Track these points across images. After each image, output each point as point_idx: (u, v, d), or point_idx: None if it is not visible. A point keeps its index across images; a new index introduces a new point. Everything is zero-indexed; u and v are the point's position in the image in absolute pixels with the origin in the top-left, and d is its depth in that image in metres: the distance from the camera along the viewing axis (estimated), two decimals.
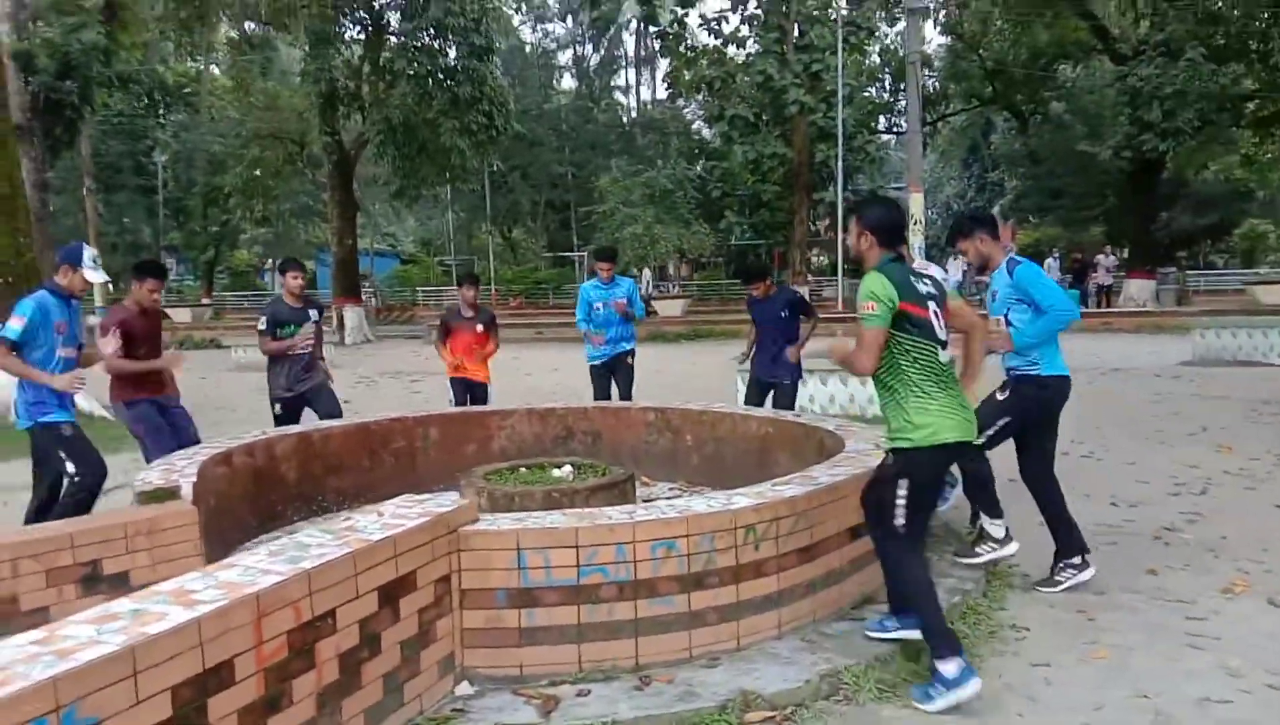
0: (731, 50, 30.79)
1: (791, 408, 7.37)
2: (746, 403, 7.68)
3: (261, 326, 6.90)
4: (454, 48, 21.83)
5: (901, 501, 3.59)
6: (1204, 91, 25.31)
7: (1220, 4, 27.49)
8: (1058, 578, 4.75)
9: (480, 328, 7.96)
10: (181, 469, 4.96)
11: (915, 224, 21.88)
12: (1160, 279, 28.81)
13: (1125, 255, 29.19)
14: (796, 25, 28.24)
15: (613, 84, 49.61)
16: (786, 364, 7.36)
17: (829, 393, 10.50)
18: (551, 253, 41.66)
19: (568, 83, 51.34)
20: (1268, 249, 40.93)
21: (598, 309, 7.95)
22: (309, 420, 6.91)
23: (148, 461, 5.73)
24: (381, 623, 3.14)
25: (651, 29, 32.35)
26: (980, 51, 36.82)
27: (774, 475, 6.11)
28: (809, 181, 29.49)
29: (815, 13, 28.97)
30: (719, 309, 28.12)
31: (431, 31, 22.14)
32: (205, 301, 38.64)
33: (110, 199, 39.10)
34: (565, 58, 51.87)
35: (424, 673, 3.35)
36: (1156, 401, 11.10)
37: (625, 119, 47.85)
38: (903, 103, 40.49)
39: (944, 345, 3.63)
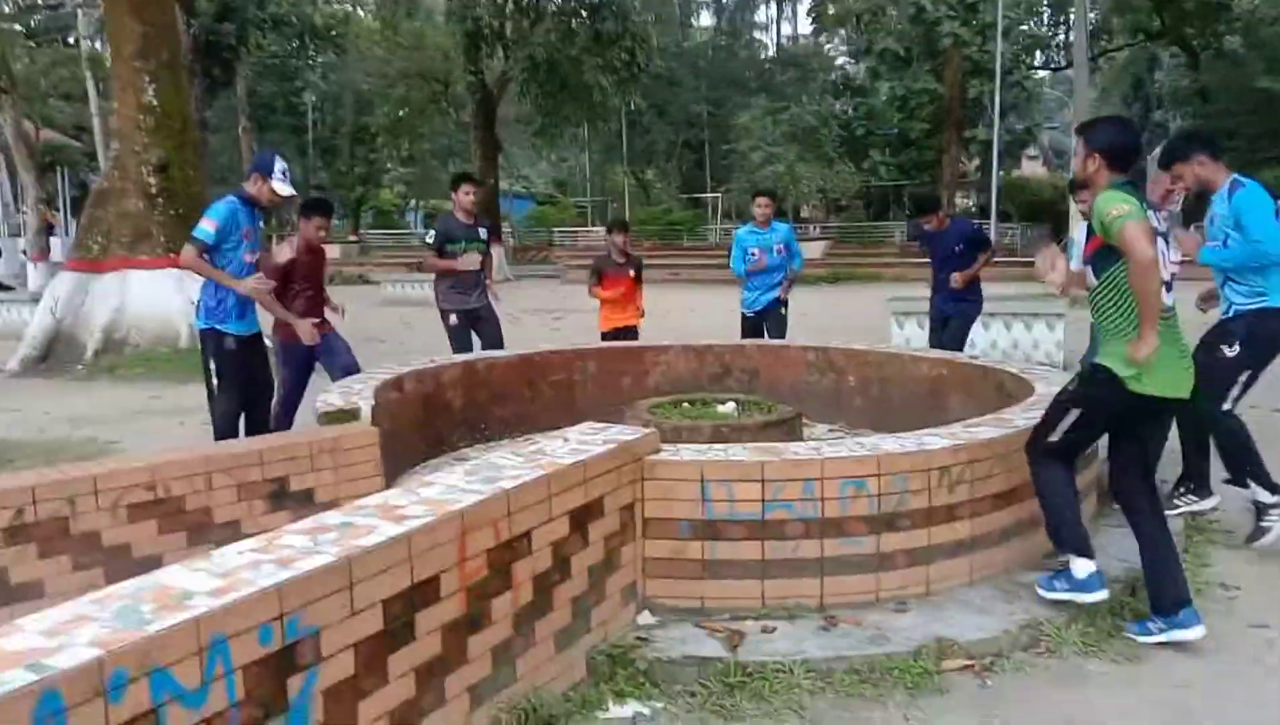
0: None
1: (963, 339, 7.05)
2: (931, 342, 7.35)
3: (429, 239, 6.99)
4: None
5: (1065, 425, 3.44)
6: None
7: None
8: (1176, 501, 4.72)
9: (631, 273, 7.84)
10: (359, 392, 5.06)
11: None
12: None
13: None
14: None
15: (752, 20, 48.46)
16: (965, 295, 7.02)
17: (1012, 337, 10.05)
18: (686, 194, 41.31)
19: (705, 20, 50.55)
20: None
21: (753, 255, 7.64)
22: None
23: (281, 397, 5.82)
24: (572, 547, 3.11)
25: None
26: None
27: (947, 420, 5.85)
28: (959, 119, 28.27)
29: None
30: (859, 252, 27.35)
31: None
32: (352, 239, 39.95)
33: (264, 138, 40.66)
34: None
35: (609, 599, 3.31)
36: None
37: (764, 56, 46.79)
38: (1061, 37, 38.40)
39: (1168, 287, 3.34)
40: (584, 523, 3.17)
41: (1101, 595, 3.42)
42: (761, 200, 7.68)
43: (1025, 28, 33.26)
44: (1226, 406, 4.36)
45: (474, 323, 7.14)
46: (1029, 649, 3.34)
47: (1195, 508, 4.69)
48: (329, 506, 4.27)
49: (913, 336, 10.36)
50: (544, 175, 57.43)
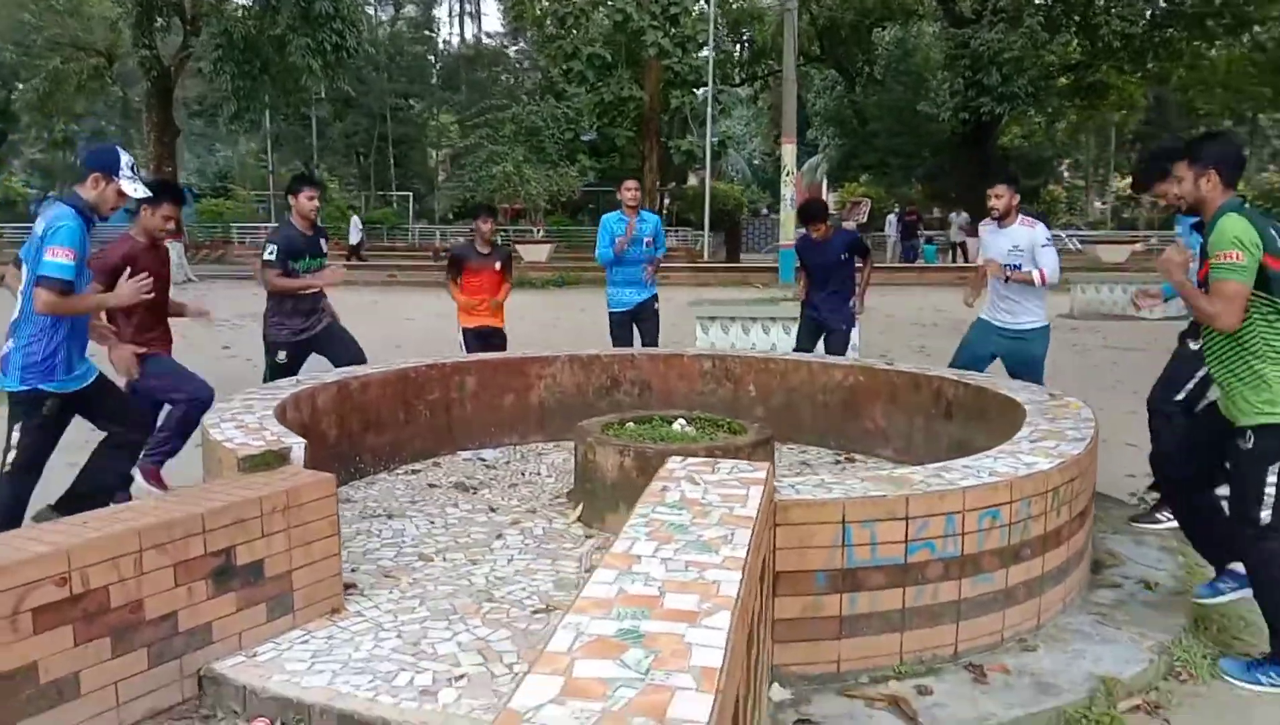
0: None
1: (845, 349, 6.97)
2: (799, 346, 7.19)
3: (269, 256, 5.76)
4: None
5: (1272, 488, 3.15)
6: (1037, 59, 26.75)
7: None
8: (1157, 514, 4.67)
9: (498, 266, 7.03)
10: (260, 422, 3.98)
11: (787, 175, 22.02)
12: None
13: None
14: None
15: (433, 16, 47.07)
16: (843, 309, 6.92)
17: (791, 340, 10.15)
18: (381, 192, 39.19)
19: (382, 14, 48.38)
20: (1059, 212, 44.28)
21: (622, 245, 7.12)
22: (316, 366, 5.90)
23: (189, 417, 4.69)
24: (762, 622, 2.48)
25: None
26: (811, 9, 37.50)
27: (869, 429, 5.71)
28: (658, 128, 29.07)
29: None
30: (577, 256, 27.43)
31: None
32: None
33: None
34: None
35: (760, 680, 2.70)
36: (1083, 352, 11.47)
37: (448, 53, 45.55)
38: (738, 55, 40.92)
39: None
40: (762, 584, 2.55)
41: None
42: (629, 183, 7.13)
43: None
44: (1180, 397, 4.50)
45: (312, 348, 5.97)
46: (1169, 677, 3.15)
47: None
48: (281, 583, 3.28)
49: (717, 340, 10.24)
50: (187, 167, 51.95)
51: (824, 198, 49.52)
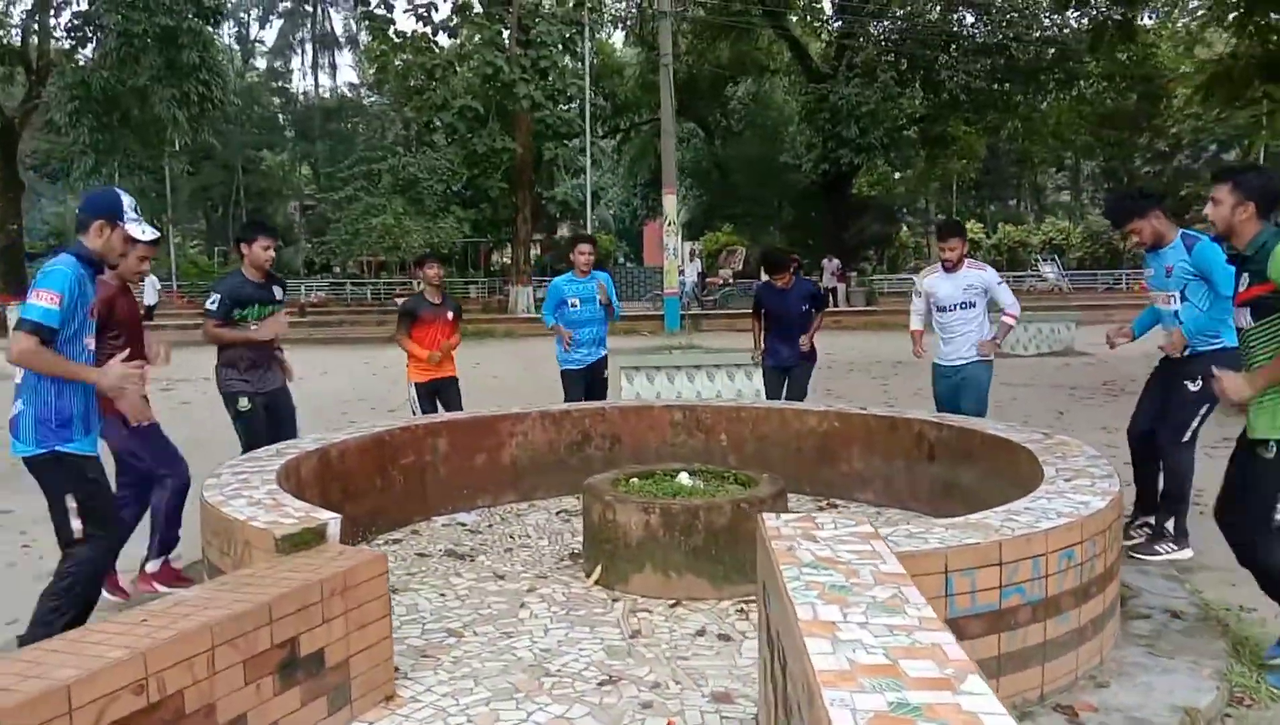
0: (443, 40, 29.69)
1: (804, 394, 7.05)
2: (769, 396, 7.23)
3: (211, 305, 5.36)
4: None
5: None
6: (890, 112, 28.22)
7: (895, 36, 30.78)
8: (1157, 547, 4.83)
9: (450, 316, 6.82)
10: (276, 500, 3.71)
11: (670, 225, 22.36)
12: (848, 282, 31.61)
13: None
14: (519, 20, 27.69)
15: (291, 67, 45.93)
16: (801, 350, 7.01)
17: (715, 387, 10.27)
18: (227, 246, 37.40)
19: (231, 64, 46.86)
20: (909, 257, 46.54)
21: (573, 306, 7.01)
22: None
23: (179, 503, 4.37)
24: None
25: (358, 8, 30.32)
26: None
27: (846, 474, 5.79)
28: (532, 179, 29.12)
29: (537, 5, 28.61)
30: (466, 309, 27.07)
31: None
32: None
33: None
34: (228, 35, 47.36)
35: None
36: None
37: (295, 104, 44.39)
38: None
39: None
40: None
41: None
42: (583, 247, 7.11)
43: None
44: (1185, 438, 4.75)
45: (267, 409, 5.56)
46: (1235, 704, 3.27)
47: (1174, 557, 4.88)
48: (340, 672, 3.04)
49: (642, 390, 10.25)
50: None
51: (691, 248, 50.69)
